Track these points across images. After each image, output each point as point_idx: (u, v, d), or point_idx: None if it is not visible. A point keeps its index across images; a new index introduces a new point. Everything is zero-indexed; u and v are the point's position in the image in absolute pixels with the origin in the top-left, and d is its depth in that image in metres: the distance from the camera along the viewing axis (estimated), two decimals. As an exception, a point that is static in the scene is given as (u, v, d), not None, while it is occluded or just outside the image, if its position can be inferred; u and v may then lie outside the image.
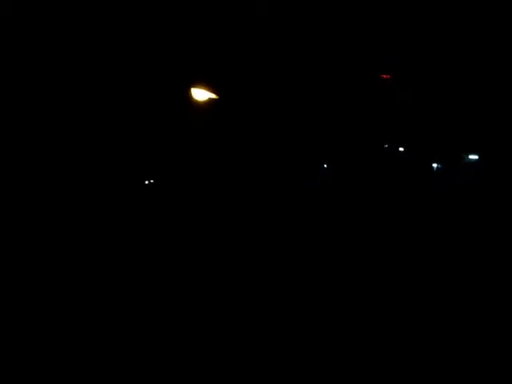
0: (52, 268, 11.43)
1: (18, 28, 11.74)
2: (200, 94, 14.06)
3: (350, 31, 14.19)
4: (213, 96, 13.90)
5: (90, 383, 6.47)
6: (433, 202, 16.04)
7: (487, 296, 10.08)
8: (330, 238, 14.65)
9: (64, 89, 13.08)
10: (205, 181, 14.54)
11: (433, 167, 19.80)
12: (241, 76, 13.78)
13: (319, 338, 7.71)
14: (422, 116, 17.13)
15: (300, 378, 6.60)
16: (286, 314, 8.81)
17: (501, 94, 15.47)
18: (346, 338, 7.72)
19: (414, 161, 18.59)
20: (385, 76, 18.36)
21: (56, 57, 12.61)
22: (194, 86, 13.77)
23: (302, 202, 16.36)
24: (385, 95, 16.48)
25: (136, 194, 15.02)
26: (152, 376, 6.59)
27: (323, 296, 9.95)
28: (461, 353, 7.18)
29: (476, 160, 18.40)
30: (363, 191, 17.12)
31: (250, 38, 13.68)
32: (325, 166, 18.09)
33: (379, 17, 13.98)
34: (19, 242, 12.37)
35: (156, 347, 7.34)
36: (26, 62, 12.22)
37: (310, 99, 15.61)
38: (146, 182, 15.40)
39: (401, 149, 19.58)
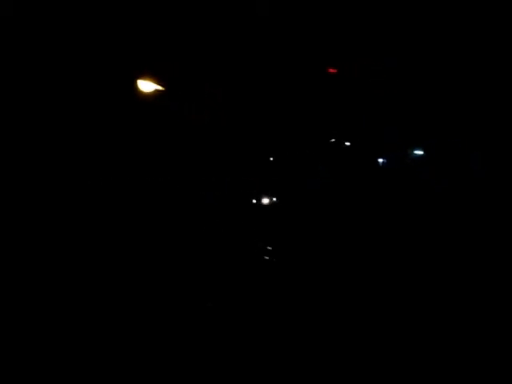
0: (52, 268, 11.00)
1: (18, 28, 11.54)
2: (146, 86, 13.61)
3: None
4: (159, 88, 13.48)
5: (90, 383, 6.32)
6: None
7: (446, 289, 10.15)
8: (328, 237, 14.50)
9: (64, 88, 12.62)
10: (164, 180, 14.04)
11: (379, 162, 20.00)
12: (193, 67, 13.39)
13: (319, 338, 7.62)
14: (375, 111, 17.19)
15: (300, 377, 6.52)
16: (285, 314, 8.73)
17: (457, 87, 15.69)
18: (345, 338, 7.64)
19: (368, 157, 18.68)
20: (332, 70, 18.29)
21: (56, 56, 12.24)
22: (140, 78, 13.30)
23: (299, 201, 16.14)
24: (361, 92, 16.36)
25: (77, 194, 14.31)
26: (152, 376, 6.44)
27: (323, 294, 9.87)
28: (461, 352, 7.14)
29: (423, 155, 18.68)
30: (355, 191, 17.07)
31: (200, 28, 13.30)
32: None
33: (378, 17, 13.89)
34: (19, 242, 11.76)
35: (155, 347, 7.18)
36: (26, 62, 11.90)
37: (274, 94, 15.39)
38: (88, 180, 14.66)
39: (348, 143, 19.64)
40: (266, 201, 16.57)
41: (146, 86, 13.40)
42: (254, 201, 16.58)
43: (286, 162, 17.56)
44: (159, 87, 13.24)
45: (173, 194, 14.17)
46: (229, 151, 14.86)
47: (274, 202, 16.94)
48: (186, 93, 13.58)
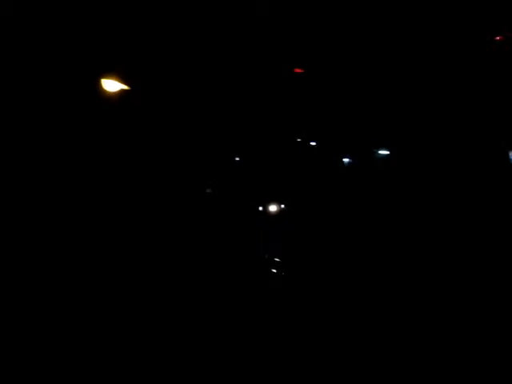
0: (52, 268, 10.49)
1: (18, 28, 11.27)
2: (111, 85, 13.17)
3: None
4: (125, 87, 13.07)
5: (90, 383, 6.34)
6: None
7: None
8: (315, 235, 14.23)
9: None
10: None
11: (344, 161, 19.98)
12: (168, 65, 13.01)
13: (319, 338, 7.55)
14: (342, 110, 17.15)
15: (300, 378, 6.44)
16: (284, 313, 8.64)
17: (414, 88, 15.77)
18: (344, 339, 7.59)
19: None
20: (298, 70, 18.20)
21: (56, 57, 11.92)
22: (105, 77, 12.86)
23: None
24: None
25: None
26: (152, 376, 6.26)
27: (320, 294, 9.78)
28: (461, 353, 7.09)
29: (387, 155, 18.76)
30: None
31: (166, 24, 12.92)
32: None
33: (381, 18, 13.78)
34: (19, 242, 11.23)
35: (155, 347, 6.99)
36: (26, 62, 11.61)
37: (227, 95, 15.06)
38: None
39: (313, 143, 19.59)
40: (272, 207, 16.03)
41: (111, 85, 12.99)
42: (259, 207, 16.07)
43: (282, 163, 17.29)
44: (125, 86, 12.84)
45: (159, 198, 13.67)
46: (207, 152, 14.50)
47: (281, 207, 16.44)
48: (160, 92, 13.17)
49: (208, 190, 14.76)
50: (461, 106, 15.21)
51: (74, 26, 11.82)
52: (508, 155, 14.82)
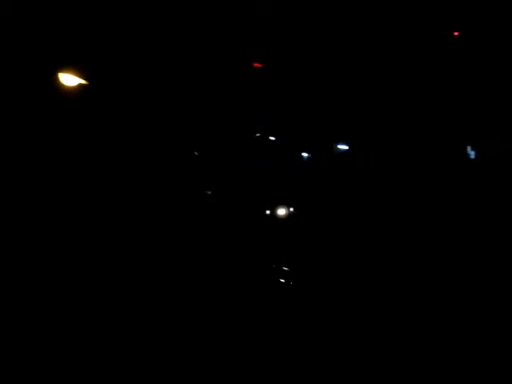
0: (52, 268, 10.16)
1: (18, 28, 11.29)
2: (68, 80, 12.84)
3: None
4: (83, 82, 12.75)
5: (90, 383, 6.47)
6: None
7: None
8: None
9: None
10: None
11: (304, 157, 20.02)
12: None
13: (319, 339, 7.54)
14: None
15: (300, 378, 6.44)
16: (281, 313, 8.60)
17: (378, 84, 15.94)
18: (344, 339, 7.59)
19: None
20: (256, 64, 18.12)
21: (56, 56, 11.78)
22: (61, 71, 12.52)
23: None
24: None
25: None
26: (152, 376, 6.13)
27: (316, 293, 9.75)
28: (461, 353, 7.16)
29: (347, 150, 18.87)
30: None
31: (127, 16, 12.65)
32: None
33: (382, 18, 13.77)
34: (19, 242, 10.85)
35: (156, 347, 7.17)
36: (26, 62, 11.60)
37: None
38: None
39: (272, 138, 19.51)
40: (280, 211, 15.58)
41: (69, 79, 12.64)
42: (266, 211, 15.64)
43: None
44: (84, 81, 12.53)
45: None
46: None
47: (290, 211, 15.99)
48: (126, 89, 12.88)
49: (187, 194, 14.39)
50: (420, 100, 15.49)
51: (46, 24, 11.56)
52: (466, 150, 15.21)
